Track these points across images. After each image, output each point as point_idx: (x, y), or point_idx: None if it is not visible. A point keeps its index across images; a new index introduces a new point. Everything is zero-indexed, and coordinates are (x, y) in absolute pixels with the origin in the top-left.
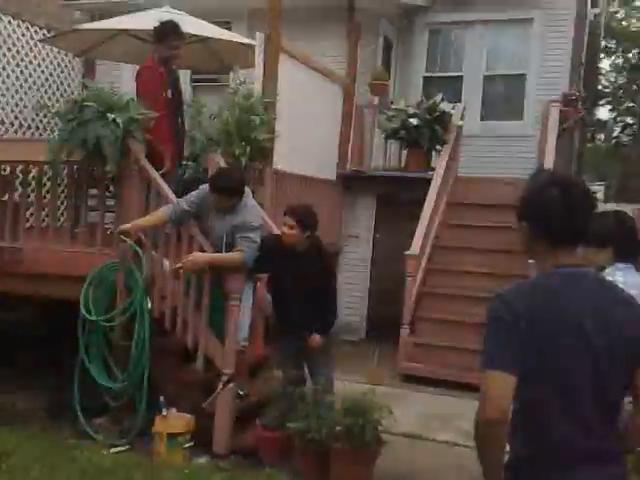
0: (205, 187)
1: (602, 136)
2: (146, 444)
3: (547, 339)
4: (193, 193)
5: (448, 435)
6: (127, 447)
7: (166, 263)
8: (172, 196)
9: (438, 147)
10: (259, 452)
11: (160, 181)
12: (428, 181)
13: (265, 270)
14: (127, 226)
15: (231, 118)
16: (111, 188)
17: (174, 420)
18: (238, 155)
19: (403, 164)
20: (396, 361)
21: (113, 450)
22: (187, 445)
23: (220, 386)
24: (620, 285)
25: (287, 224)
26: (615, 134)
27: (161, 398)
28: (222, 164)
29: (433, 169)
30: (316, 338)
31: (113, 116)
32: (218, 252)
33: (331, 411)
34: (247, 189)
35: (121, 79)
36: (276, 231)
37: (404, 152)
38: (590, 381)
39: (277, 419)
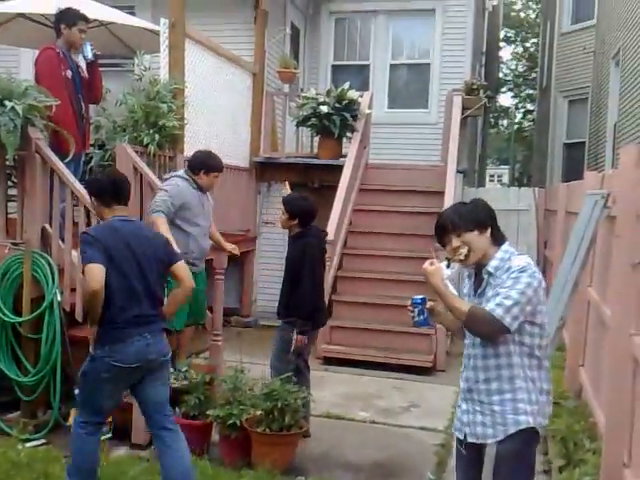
0: (174, 184)
1: (505, 122)
2: (63, 437)
3: (113, 251)
4: (167, 198)
5: (367, 413)
6: (43, 441)
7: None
8: (77, 185)
9: (349, 134)
10: None
11: (64, 169)
12: (340, 168)
13: None
14: None
15: (137, 105)
16: (14, 177)
17: None
18: (147, 143)
19: (316, 151)
20: (315, 344)
21: (29, 445)
22: (105, 437)
23: None
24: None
25: (282, 210)
26: (517, 120)
27: (76, 390)
28: (131, 153)
29: (345, 156)
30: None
31: (11, 104)
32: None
33: (252, 396)
34: None
35: (19, 65)
36: None
37: (316, 139)
38: (139, 277)
39: (196, 407)
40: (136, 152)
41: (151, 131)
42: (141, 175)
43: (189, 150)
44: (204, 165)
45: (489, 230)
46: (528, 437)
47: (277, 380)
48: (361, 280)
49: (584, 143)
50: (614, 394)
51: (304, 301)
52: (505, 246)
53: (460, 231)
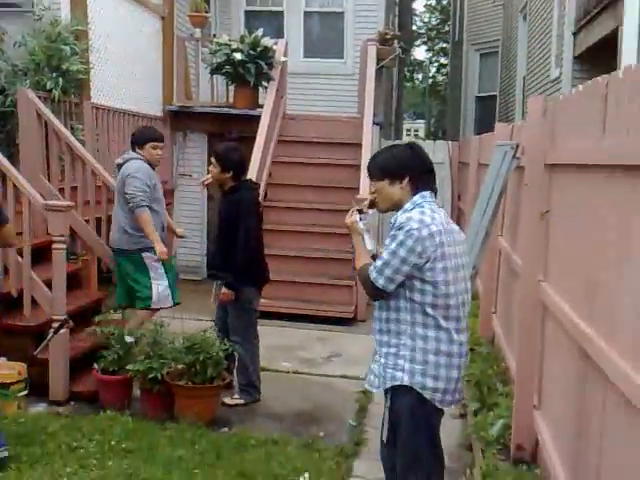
0: (140, 167)
1: (420, 76)
2: None
3: None
4: (138, 184)
5: (290, 364)
6: None
7: None
8: None
9: (265, 84)
10: (99, 397)
11: None
12: (258, 118)
13: None
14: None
15: (38, 47)
16: None
17: (5, 369)
18: (50, 87)
19: (232, 101)
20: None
21: None
22: (22, 394)
23: (51, 333)
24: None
25: (212, 163)
26: (431, 74)
27: None
28: (34, 99)
29: (261, 106)
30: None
31: None
32: None
33: (173, 350)
34: None
35: None
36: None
37: (231, 88)
38: None
39: (115, 362)
40: (39, 97)
41: (54, 75)
42: (46, 123)
43: (97, 97)
44: (150, 138)
45: (406, 180)
46: (405, 395)
47: (199, 333)
48: (283, 233)
49: (495, 96)
50: (524, 340)
51: (240, 258)
52: (416, 197)
53: (372, 179)
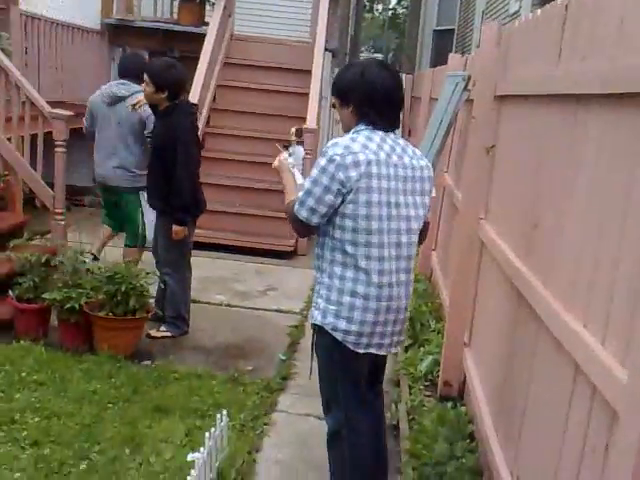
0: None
1: (380, 7)
2: None
3: None
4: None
5: (224, 297)
6: None
7: None
8: None
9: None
10: (14, 325)
11: None
12: (203, 37)
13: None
14: None
15: None
16: None
17: None
18: None
19: (176, 16)
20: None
21: None
22: None
23: None
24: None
25: (145, 81)
26: (391, 6)
27: None
28: None
29: (207, 24)
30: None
31: None
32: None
33: (93, 279)
34: None
35: None
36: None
37: (176, 4)
38: None
39: (31, 290)
40: None
41: None
42: None
43: (26, 3)
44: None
45: (351, 107)
46: (323, 334)
47: (122, 264)
48: (224, 161)
49: (453, 30)
50: (459, 276)
51: (182, 189)
52: (359, 126)
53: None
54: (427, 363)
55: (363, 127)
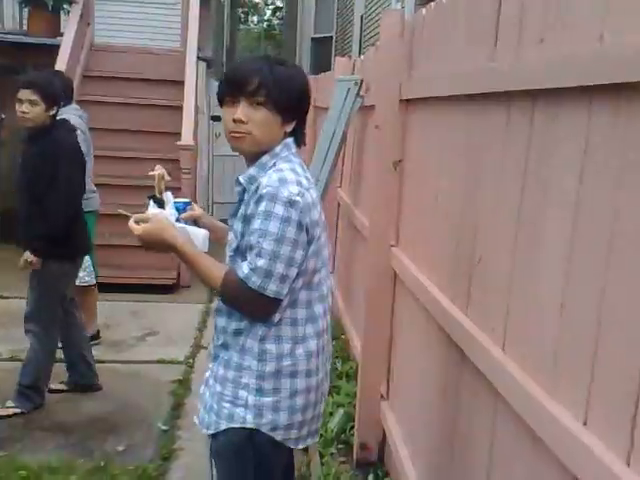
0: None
1: (255, 19)
2: None
3: None
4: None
5: (93, 350)
6: None
7: None
8: None
9: (67, 7)
10: None
11: None
12: (59, 48)
13: None
14: None
15: None
16: None
17: None
18: None
19: (26, 27)
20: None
21: None
22: None
23: None
24: None
25: (26, 100)
26: (266, 17)
27: None
28: None
29: (62, 34)
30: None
31: None
32: None
33: None
34: None
35: None
36: None
37: (26, 12)
38: None
39: None
40: None
41: None
42: None
43: None
44: None
45: (292, 122)
46: (232, 440)
47: None
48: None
49: (332, 37)
50: (371, 315)
51: (54, 212)
52: (287, 146)
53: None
54: (338, 419)
55: (291, 148)
